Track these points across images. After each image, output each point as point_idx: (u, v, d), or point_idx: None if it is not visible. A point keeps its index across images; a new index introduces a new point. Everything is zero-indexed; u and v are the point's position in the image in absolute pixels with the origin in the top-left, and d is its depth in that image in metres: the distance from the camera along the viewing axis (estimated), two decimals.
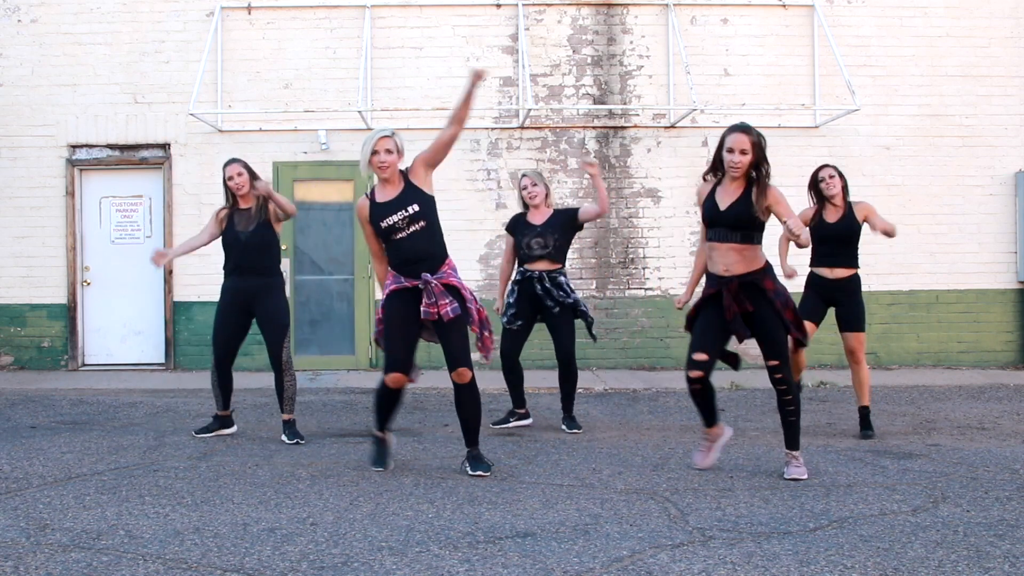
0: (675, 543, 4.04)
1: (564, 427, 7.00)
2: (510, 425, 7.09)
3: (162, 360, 10.80)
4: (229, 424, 6.79)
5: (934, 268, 11.00)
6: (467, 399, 5.36)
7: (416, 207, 5.25)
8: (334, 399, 8.67)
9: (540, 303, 6.91)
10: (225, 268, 6.65)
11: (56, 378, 10.06)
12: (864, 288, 10.72)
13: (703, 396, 5.34)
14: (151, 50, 10.77)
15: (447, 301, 5.23)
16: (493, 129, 10.86)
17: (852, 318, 6.66)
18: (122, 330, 10.91)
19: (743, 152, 5.09)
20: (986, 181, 11.04)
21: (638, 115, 10.97)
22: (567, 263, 10.70)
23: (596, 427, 7.11)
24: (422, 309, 5.25)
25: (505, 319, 7.02)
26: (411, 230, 5.24)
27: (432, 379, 9.60)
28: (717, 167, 5.26)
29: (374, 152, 5.29)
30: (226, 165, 6.64)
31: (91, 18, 10.79)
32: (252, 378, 9.85)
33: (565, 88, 10.92)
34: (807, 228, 5.92)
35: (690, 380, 5.28)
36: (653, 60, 10.93)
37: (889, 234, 6.62)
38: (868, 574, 3.63)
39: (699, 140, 10.87)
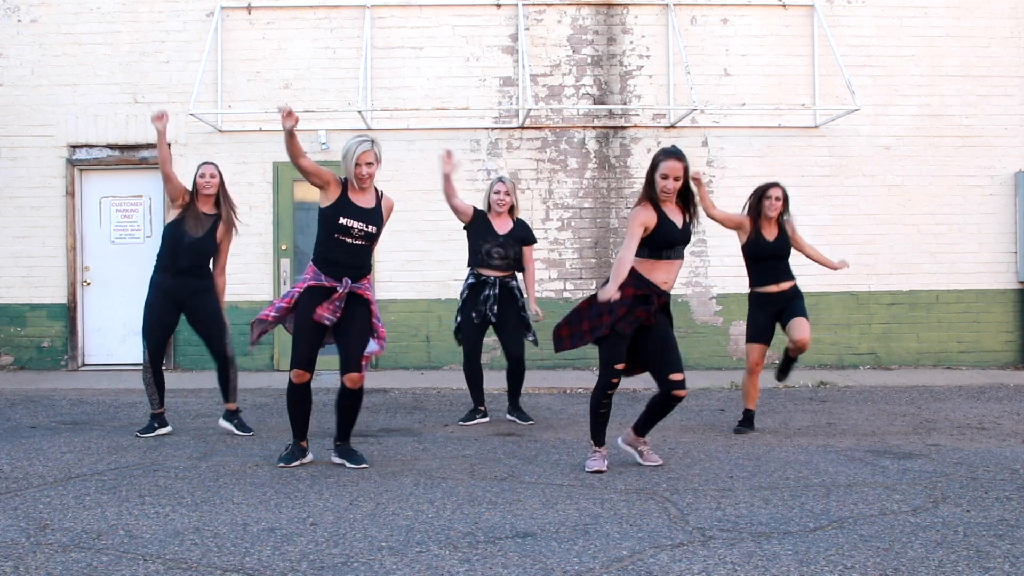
0: (675, 543, 4.04)
1: (516, 419, 7.24)
2: (471, 423, 7.22)
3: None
4: (165, 423, 6.79)
5: (934, 268, 11.00)
6: (351, 402, 5.62)
7: (375, 229, 5.53)
8: (334, 399, 8.66)
9: (481, 307, 7.08)
10: (161, 263, 6.63)
11: (56, 378, 10.06)
12: (864, 288, 10.93)
13: (610, 407, 5.48)
14: (151, 50, 10.77)
15: (331, 310, 5.40)
16: (493, 129, 10.87)
17: (797, 310, 6.76)
18: (122, 330, 10.90)
19: (676, 179, 5.30)
20: (986, 181, 11.04)
21: (638, 115, 10.97)
22: (567, 263, 10.81)
23: None
24: (318, 311, 5.41)
25: (461, 319, 7.14)
26: (358, 243, 5.48)
27: (432, 379, 9.62)
28: (650, 186, 5.38)
29: (356, 164, 5.44)
30: (203, 164, 6.71)
31: (91, 18, 10.79)
32: (252, 378, 9.85)
33: (565, 88, 10.92)
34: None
35: (611, 385, 5.37)
36: (653, 60, 10.93)
37: (814, 257, 7.10)
38: (868, 574, 3.63)
39: (699, 140, 10.87)
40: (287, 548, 3.96)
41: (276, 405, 8.11)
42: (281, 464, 5.62)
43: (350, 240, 5.45)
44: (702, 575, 3.62)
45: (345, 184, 5.53)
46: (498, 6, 10.90)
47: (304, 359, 5.51)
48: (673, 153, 5.34)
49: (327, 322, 5.44)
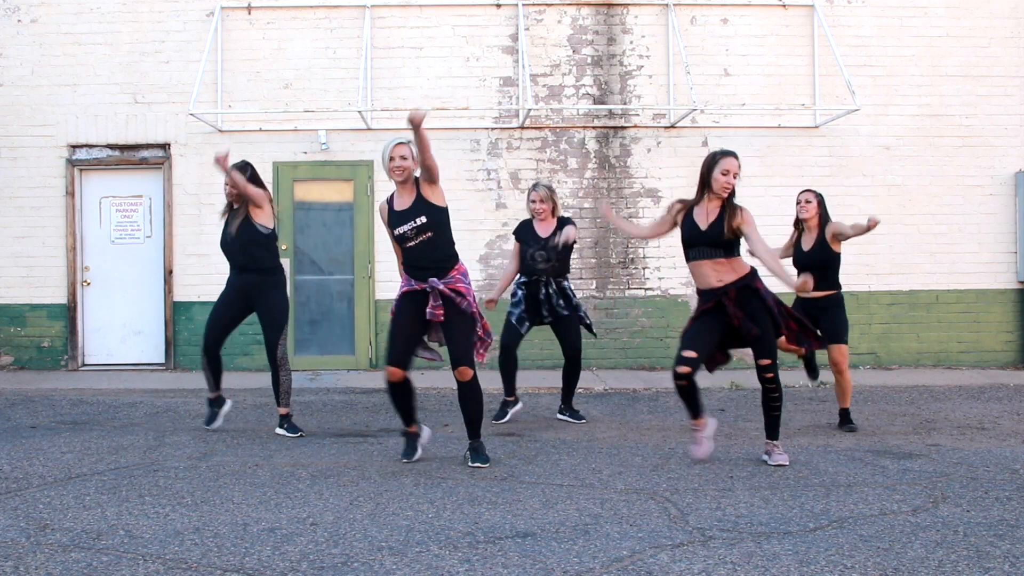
0: (675, 543, 4.04)
1: (568, 418, 7.33)
2: (507, 418, 7.31)
3: (162, 360, 10.80)
4: (222, 403, 6.97)
5: (934, 268, 11.00)
6: (469, 395, 5.65)
7: (423, 219, 5.56)
8: (334, 399, 8.67)
9: (540, 307, 7.19)
10: (229, 266, 6.88)
11: (56, 378, 10.06)
12: (864, 288, 10.93)
13: (689, 392, 5.65)
14: (151, 50, 10.77)
15: (439, 305, 5.54)
16: (493, 129, 10.86)
17: (833, 331, 6.90)
18: (122, 330, 10.91)
19: (736, 175, 5.61)
20: (986, 181, 11.04)
21: (638, 115, 10.97)
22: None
23: (596, 427, 7.11)
24: (428, 310, 5.57)
25: (514, 319, 7.24)
26: (419, 240, 5.57)
27: (432, 379, 9.61)
28: (705, 186, 5.67)
29: (390, 158, 5.60)
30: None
31: (91, 18, 10.79)
32: (252, 378, 9.86)
33: (565, 88, 10.92)
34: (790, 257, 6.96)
35: (677, 375, 5.57)
36: (653, 60, 10.93)
37: (860, 231, 6.86)
38: (868, 574, 3.63)
39: (699, 140, 10.87)
40: (287, 548, 3.96)
41: (276, 405, 8.09)
42: (404, 460, 5.75)
43: (413, 243, 5.56)
44: (702, 575, 3.62)
45: (391, 202, 5.68)
46: (498, 6, 10.90)
47: (397, 357, 5.61)
48: (731, 152, 5.67)
49: (441, 319, 5.54)
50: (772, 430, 5.72)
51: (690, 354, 5.55)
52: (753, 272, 5.63)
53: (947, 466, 5.67)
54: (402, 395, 5.71)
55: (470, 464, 5.61)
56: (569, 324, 7.23)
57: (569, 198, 10.84)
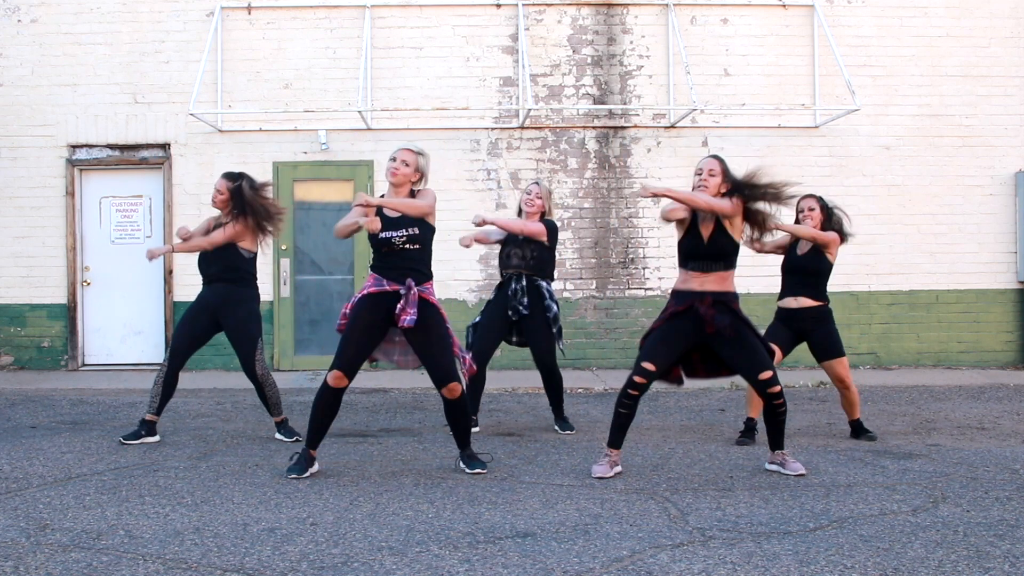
0: (675, 543, 4.04)
1: (557, 429, 7.02)
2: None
3: (162, 360, 10.79)
4: (154, 432, 6.44)
5: (934, 268, 11.00)
6: (459, 410, 5.41)
7: (416, 230, 5.38)
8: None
9: (507, 304, 6.87)
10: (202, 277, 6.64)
11: (56, 378, 10.06)
12: (864, 288, 10.92)
13: (631, 409, 5.31)
14: (151, 50, 10.77)
15: (412, 311, 5.23)
16: (493, 129, 10.86)
17: (828, 346, 6.51)
18: (122, 330, 10.91)
19: (711, 173, 5.38)
20: (986, 181, 11.04)
21: (638, 115, 10.97)
22: (567, 263, 10.80)
23: (596, 427, 7.10)
24: (402, 317, 5.22)
25: (478, 331, 6.99)
26: (408, 248, 5.36)
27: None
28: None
29: (392, 159, 5.43)
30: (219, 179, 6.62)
31: (91, 18, 10.79)
32: None
33: (565, 88, 10.92)
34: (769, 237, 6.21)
35: (633, 385, 5.24)
36: (653, 60, 10.93)
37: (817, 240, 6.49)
38: (868, 574, 3.63)
39: (699, 140, 10.87)
40: (287, 548, 3.96)
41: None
42: (293, 476, 5.24)
43: (396, 249, 5.33)
44: (702, 575, 3.62)
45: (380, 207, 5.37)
46: (498, 6, 10.90)
47: (347, 363, 5.22)
48: (713, 155, 5.55)
49: (408, 323, 5.20)
50: (779, 440, 5.43)
51: (649, 366, 5.22)
52: (735, 294, 5.36)
53: (947, 466, 5.67)
54: (332, 408, 5.27)
55: (468, 471, 5.39)
56: (536, 331, 6.83)
57: (569, 198, 10.85)
